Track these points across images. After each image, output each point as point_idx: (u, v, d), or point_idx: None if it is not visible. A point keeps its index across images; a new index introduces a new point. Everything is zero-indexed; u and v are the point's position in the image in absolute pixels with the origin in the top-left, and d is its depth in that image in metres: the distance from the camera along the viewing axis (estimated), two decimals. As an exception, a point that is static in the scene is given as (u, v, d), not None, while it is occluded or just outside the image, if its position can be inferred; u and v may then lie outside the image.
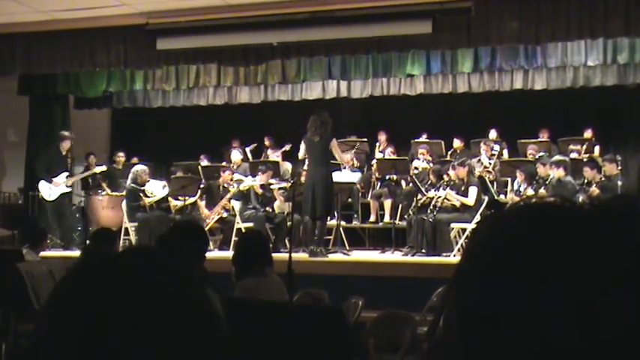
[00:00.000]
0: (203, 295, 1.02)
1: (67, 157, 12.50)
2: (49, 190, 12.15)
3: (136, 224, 11.62)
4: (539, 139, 12.66)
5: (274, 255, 5.54)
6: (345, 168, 12.55)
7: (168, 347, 0.95)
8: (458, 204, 10.71)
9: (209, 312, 1.02)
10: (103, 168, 12.97)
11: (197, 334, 0.97)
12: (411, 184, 11.67)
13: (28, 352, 0.98)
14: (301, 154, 10.79)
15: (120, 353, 0.93)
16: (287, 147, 12.98)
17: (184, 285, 1.01)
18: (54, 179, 12.18)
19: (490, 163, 12.18)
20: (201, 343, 0.97)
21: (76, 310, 0.96)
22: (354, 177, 12.41)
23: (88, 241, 9.16)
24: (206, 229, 9.82)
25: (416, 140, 13.23)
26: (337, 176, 11.66)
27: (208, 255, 4.91)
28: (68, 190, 12.42)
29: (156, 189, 12.01)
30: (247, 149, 13.83)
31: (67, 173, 12.33)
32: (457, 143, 13.17)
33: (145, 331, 0.94)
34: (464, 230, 10.24)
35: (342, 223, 11.52)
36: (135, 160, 13.59)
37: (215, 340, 1.00)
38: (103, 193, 12.67)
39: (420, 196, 10.85)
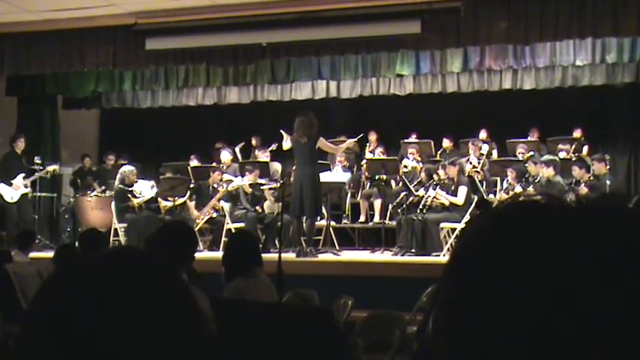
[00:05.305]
0: (188, 295, 1.02)
1: (22, 158, 12.43)
2: (10, 192, 12.08)
3: (125, 225, 11.59)
4: (528, 139, 12.69)
5: (264, 255, 5.54)
6: (336, 165, 12.57)
7: (151, 347, 0.94)
8: (447, 203, 10.73)
9: (194, 312, 1.01)
10: (55, 167, 12.89)
11: (181, 334, 0.97)
12: (400, 184, 11.69)
13: (14, 354, 0.98)
14: (285, 145, 10.69)
15: (102, 354, 0.93)
16: (274, 146, 12.97)
17: (168, 285, 1.01)
18: (13, 181, 12.09)
19: (479, 163, 12.21)
20: (185, 343, 0.97)
21: (59, 311, 0.95)
22: (344, 177, 12.42)
23: (76, 242, 9.14)
24: (196, 229, 9.82)
25: (405, 140, 13.24)
26: (327, 176, 11.66)
27: (198, 256, 4.89)
28: (27, 190, 12.33)
29: (144, 189, 11.99)
30: (236, 149, 13.81)
31: (24, 174, 12.25)
32: (446, 143, 13.21)
33: (128, 331, 0.94)
34: (453, 230, 10.26)
35: (332, 223, 11.52)
36: (121, 161, 13.57)
37: (200, 340, 0.99)
38: (93, 193, 12.64)
39: (410, 196, 10.85)
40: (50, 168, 12.71)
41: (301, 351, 3.97)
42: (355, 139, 11.80)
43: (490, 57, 11.50)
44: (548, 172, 10.61)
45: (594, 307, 0.70)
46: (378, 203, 12.14)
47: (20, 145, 12.40)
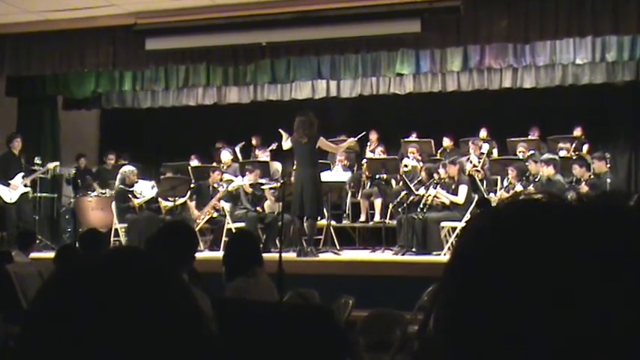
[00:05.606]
0: (188, 295, 1.01)
1: (20, 158, 12.34)
2: (9, 192, 12.01)
3: (125, 225, 11.60)
4: (528, 138, 12.69)
5: (264, 255, 5.54)
6: (336, 164, 12.57)
7: (151, 347, 0.94)
8: (448, 202, 10.74)
9: (194, 312, 1.01)
10: (56, 163, 12.85)
11: (181, 334, 0.97)
12: (401, 183, 11.69)
13: (14, 354, 0.98)
14: (285, 145, 10.75)
15: (102, 354, 0.93)
16: (274, 145, 12.98)
17: (168, 285, 1.01)
18: (11, 182, 12.00)
19: (479, 162, 12.21)
20: (185, 343, 0.97)
21: (59, 311, 0.95)
22: (344, 176, 12.42)
23: (77, 243, 9.14)
24: (196, 229, 9.82)
25: (406, 139, 13.24)
26: (327, 176, 11.67)
27: (199, 255, 4.90)
28: (27, 190, 12.25)
29: (145, 189, 11.99)
30: (237, 148, 13.82)
31: (22, 173, 12.16)
32: (447, 142, 13.21)
33: (128, 331, 0.94)
34: (454, 229, 10.25)
35: (333, 222, 11.52)
36: (122, 161, 13.56)
37: (200, 340, 0.99)
38: (94, 194, 12.64)
39: (410, 195, 10.85)
40: (51, 165, 12.67)
41: (302, 350, 3.97)
42: (356, 139, 11.81)
43: (490, 56, 11.50)
44: (548, 171, 10.61)
45: (594, 306, 0.70)
46: (378, 202, 12.13)
47: (17, 145, 12.31)
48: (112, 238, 11.54)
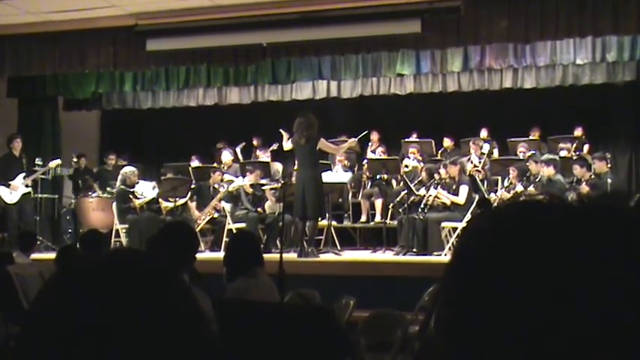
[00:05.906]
0: (189, 296, 1.02)
1: (22, 158, 12.31)
2: (10, 194, 11.99)
3: (126, 226, 11.60)
4: (529, 138, 12.70)
5: (265, 255, 5.54)
6: (337, 165, 12.57)
7: (152, 348, 0.94)
8: (448, 203, 10.73)
9: (194, 313, 1.01)
10: (58, 162, 12.83)
11: (181, 334, 0.97)
12: (401, 183, 11.69)
13: (15, 354, 0.98)
14: (286, 145, 10.82)
15: (102, 354, 0.93)
16: (274, 146, 12.98)
17: (169, 286, 1.01)
18: (11, 182, 11.98)
19: (480, 162, 12.21)
20: (185, 344, 0.97)
21: (60, 312, 0.95)
22: (345, 177, 12.42)
23: (78, 244, 9.14)
24: (197, 230, 9.82)
25: (406, 140, 13.24)
26: (328, 176, 11.66)
27: (199, 256, 4.89)
28: (28, 190, 12.22)
29: (145, 190, 11.99)
30: (237, 149, 13.83)
31: (23, 174, 12.14)
32: (447, 142, 13.21)
33: (128, 332, 0.94)
34: (455, 229, 10.25)
35: (333, 223, 11.52)
36: (122, 162, 13.55)
37: (200, 340, 0.99)
38: (94, 194, 12.64)
39: (411, 196, 10.85)
40: (53, 164, 12.65)
41: (303, 351, 3.97)
42: (357, 138, 11.79)
43: (490, 56, 11.49)
44: (548, 171, 10.61)
45: (595, 307, 0.70)
46: (379, 203, 12.14)
47: (17, 145, 12.30)
48: (112, 239, 11.54)
